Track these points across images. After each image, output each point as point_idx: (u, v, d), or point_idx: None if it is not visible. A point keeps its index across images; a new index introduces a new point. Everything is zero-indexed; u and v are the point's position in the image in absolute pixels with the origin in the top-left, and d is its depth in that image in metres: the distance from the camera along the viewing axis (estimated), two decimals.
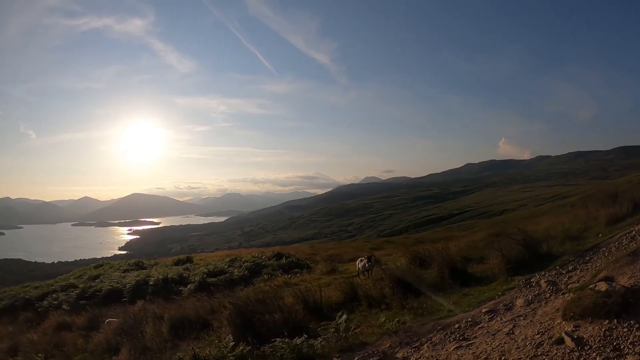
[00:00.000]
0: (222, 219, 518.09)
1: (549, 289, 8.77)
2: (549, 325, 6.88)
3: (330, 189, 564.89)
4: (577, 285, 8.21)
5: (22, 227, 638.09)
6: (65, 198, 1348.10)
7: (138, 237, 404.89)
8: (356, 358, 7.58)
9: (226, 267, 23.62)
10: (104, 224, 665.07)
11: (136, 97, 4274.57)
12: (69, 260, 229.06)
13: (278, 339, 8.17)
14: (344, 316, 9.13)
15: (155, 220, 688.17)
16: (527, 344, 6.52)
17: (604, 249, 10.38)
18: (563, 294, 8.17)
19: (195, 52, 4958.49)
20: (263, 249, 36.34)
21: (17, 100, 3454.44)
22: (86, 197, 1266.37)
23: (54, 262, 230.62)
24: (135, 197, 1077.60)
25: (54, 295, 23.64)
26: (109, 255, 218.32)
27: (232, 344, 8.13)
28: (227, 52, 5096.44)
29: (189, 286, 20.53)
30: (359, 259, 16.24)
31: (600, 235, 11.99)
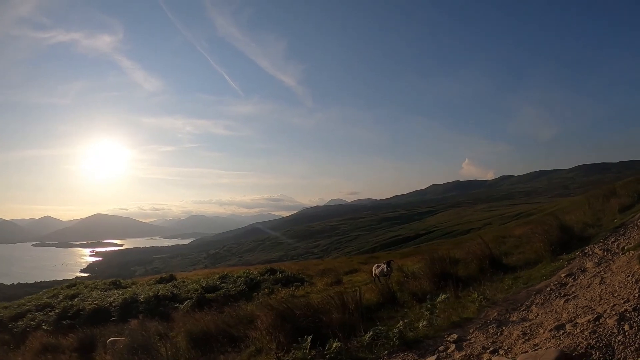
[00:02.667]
0: (187, 241, 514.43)
1: (606, 254, 9.92)
2: (631, 271, 7.71)
3: (295, 211, 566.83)
4: (630, 246, 9.52)
5: None
6: (26, 217, 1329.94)
7: (100, 259, 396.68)
8: (473, 327, 7.67)
9: (219, 283, 23.06)
10: (66, 244, 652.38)
11: (102, 114, 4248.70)
12: (29, 282, 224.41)
13: (378, 327, 8.16)
14: (443, 295, 9.38)
15: (118, 241, 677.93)
16: (626, 283, 7.26)
17: (630, 225, 12.24)
18: (622, 253, 9.28)
19: (162, 71, 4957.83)
20: (239, 268, 35.86)
21: None
22: (47, 217, 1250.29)
23: (13, 283, 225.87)
24: (98, 217, 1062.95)
25: (29, 316, 22.39)
26: (71, 278, 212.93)
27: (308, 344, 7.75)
28: (194, 72, 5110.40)
29: (185, 303, 19.84)
30: (376, 265, 16.28)
31: (615, 220, 13.78)
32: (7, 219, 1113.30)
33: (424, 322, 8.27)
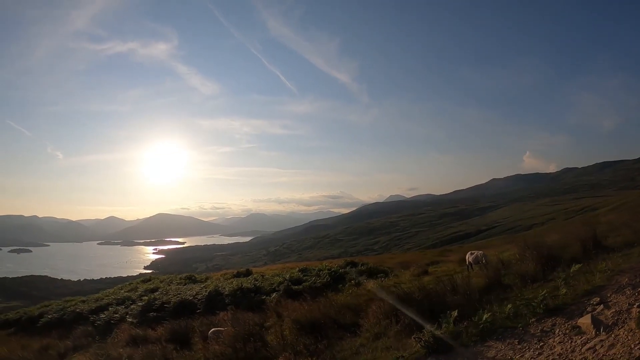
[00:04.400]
0: (247, 239, 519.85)
1: None
2: None
3: (354, 208, 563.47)
4: None
5: (48, 245, 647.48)
6: (92, 217, 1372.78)
7: (163, 256, 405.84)
8: (609, 291, 7.98)
9: (302, 276, 23.13)
10: (130, 243, 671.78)
11: (161, 119, 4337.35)
12: (95, 278, 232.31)
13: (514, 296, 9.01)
14: (577, 265, 9.88)
15: (180, 240, 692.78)
16: None
17: None
18: None
19: (218, 74, 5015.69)
20: (309, 263, 35.94)
21: (45, 122, 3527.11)
22: (112, 217, 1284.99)
23: (79, 279, 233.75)
24: (160, 217, 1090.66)
25: (110, 309, 23.05)
26: (135, 274, 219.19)
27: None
28: (249, 73, 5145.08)
29: (273, 295, 19.83)
30: (469, 252, 16.35)
31: None
32: (73, 219, 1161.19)
33: (564, 290, 8.60)
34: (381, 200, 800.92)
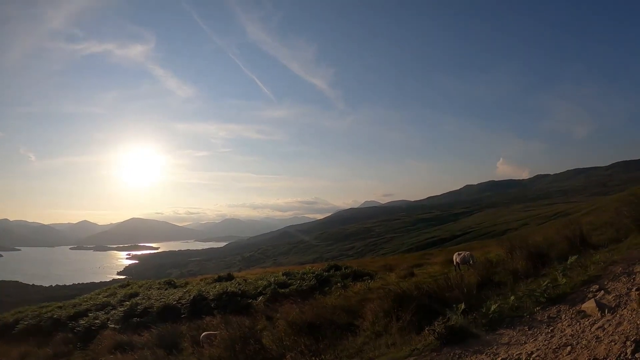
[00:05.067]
0: (222, 244, 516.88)
1: None
2: None
3: (329, 214, 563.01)
4: None
5: (19, 250, 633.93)
6: (64, 221, 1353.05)
7: (137, 262, 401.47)
8: (606, 280, 8.59)
9: (287, 279, 23.21)
10: (103, 248, 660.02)
11: (136, 122, 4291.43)
12: (67, 284, 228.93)
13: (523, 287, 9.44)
14: (572, 257, 10.51)
15: (154, 245, 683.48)
16: None
17: None
18: None
19: (195, 78, 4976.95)
20: (290, 267, 36.01)
21: (18, 122, 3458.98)
22: (85, 221, 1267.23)
23: (52, 285, 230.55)
24: (134, 221, 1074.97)
25: (90, 315, 22.65)
26: (108, 280, 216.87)
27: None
28: (226, 78, 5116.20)
29: (259, 298, 19.90)
30: (457, 253, 16.87)
31: None
32: (45, 223, 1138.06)
33: (564, 280, 9.10)
34: (356, 206, 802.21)
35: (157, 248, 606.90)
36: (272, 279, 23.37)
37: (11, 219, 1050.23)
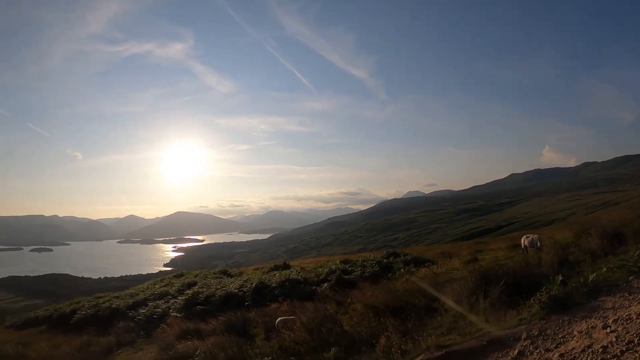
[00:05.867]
0: (266, 236, 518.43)
1: None
2: None
3: (373, 205, 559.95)
4: None
5: (69, 244, 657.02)
6: (112, 217, 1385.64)
7: (182, 254, 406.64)
8: None
9: (348, 267, 23.27)
10: (149, 241, 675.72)
11: (178, 118, 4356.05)
12: (115, 276, 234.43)
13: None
14: None
15: (199, 237, 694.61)
16: None
17: None
18: None
19: (234, 73, 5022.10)
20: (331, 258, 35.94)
21: (64, 123, 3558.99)
22: (131, 216, 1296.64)
23: (100, 277, 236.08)
24: (179, 215, 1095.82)
25: (150, 304, 23.13)
26: (154, 272, 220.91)
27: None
28: (265, 71, 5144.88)
29: (324, 285, 19.91)
30: (525, 236, 16.91)
31: None
32: (94, 219, 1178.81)
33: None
34: (399, 197, 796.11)
35: (202, 240, 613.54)
36: (334, 266, 23.48)
37: (61, 215, 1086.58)
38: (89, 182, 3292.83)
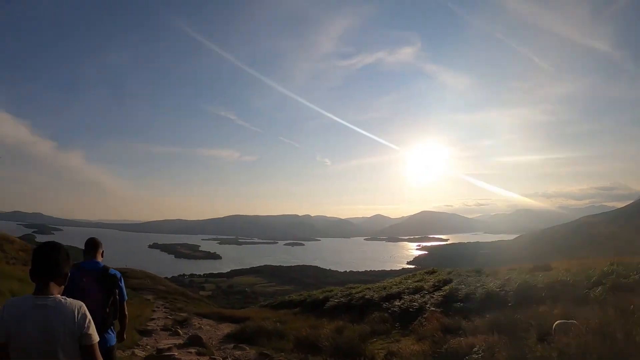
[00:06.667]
0: (512, 236, 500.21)
1: None
2: None
3: (631, 201, 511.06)
4: None
5: (319, 240, 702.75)
6: (359, 216, 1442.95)
7: (426, 252, 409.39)
8: None
9: (622, 270, 21.22)
10: (394, 239, 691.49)
11: (417, 119, 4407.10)
12: (360, 270, 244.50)
13: None
14: None
15: (443, 237, 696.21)
16: None
17: None
18: None
19: (467, 67, 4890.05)
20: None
21: (312, 134, 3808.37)
22: (378, 215, 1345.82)
23: (345, 270, 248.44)
24: (424, 214, 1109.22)
25: (405, 297, 22.66)
26: (397, 269, 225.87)
27: None
28: (497, 60, 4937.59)
29: (597, 289, 16.97)
30: None
31: None
32: (342, 217, 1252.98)
33: None
34: None
35: (446, 240, 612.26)
36: (606, 269, 21.58)
37: (312, 214, 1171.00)
38: (337, 184, 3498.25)
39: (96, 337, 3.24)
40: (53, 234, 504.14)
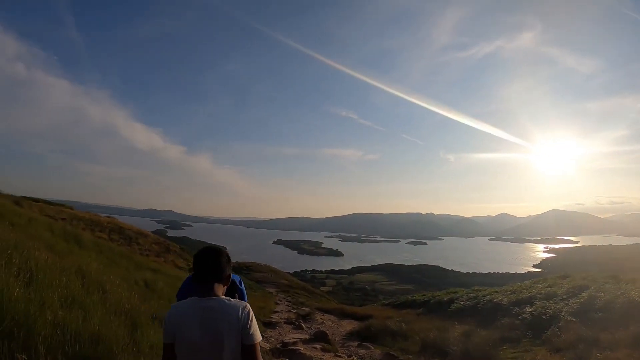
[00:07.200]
0: None
1: None
2: None
3: None
4: None
5: (442, 239, 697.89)
6: (484, 214, 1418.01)
7: (554, 255, 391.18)
8: None
9: None
10: (520, 240, 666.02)
11: (543, 109, 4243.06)
12: (483, 272, 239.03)
13: None
14: None
15: (572, 238, 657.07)
16: None
17: None
18: None
19: (593, 48, 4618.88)
20: None
21: (434, 130, 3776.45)
22: (504, 214, 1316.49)
23: (468, 272, 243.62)
24: (552, 213, 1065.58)
25: (537, 304, 20.88)
26: (522, 272, 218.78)
27: None
28: (629, 40, 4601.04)
29: None
30: None
31: None
32: (467, 216, 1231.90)
33: None
34: None
35: (576, 242, 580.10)
36: None
37: (436, 213, 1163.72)
38: (461, 182, 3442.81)
39: (258, 337, 3.31)
40: (183, 229, 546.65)
